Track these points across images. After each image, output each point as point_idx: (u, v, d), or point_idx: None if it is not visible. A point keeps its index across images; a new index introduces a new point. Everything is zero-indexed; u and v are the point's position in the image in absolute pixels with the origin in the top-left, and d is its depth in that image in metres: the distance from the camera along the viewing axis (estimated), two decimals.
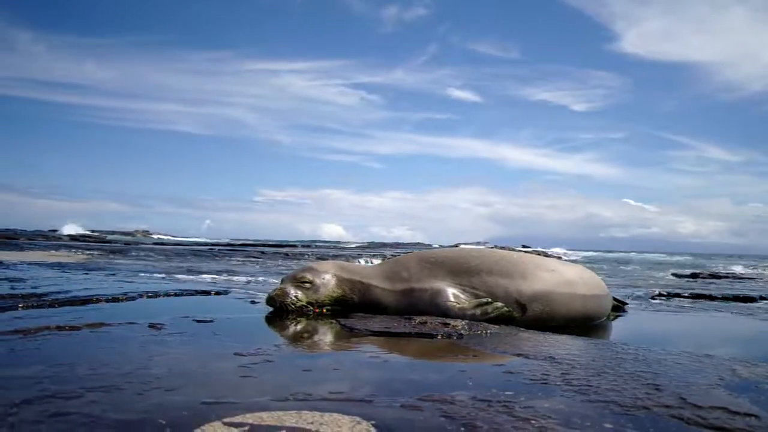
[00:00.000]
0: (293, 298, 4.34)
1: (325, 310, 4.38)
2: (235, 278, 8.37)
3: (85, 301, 4.50)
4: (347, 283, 4.44)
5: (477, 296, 4.12)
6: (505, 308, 4.06)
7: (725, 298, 7.14)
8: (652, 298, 7.03)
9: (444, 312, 4.01)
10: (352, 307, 4.41)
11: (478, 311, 4.01)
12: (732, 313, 5.73)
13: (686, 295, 7.37)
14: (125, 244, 26.20)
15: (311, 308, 4.36)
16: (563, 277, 4.30)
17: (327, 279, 4.44)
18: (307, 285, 4.39)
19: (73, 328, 3.31)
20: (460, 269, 4.25)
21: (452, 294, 4.12)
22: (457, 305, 4.05)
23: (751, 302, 6.91)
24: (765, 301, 7.01)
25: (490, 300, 4.09)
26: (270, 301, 4.40)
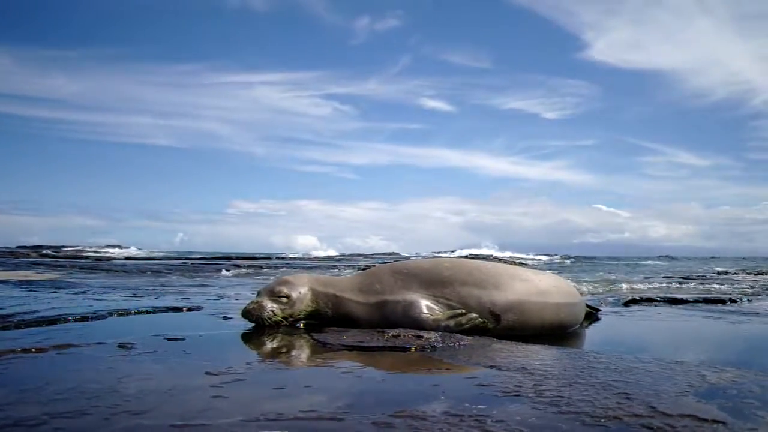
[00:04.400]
0: (270, 312, 4.27)
1: (302, 324, 4.34)
2: (207, 293, 8.26)
3: (52, 321, 4.39)
4: (322, 297, 4.40)
5: (451, 307, 4.12)
6: (479, 319, 4.06)
7: (697, 302, 7.26)
8: (625, 304, 7.10)
9: (418, 324, 3.99)
10: (326, 321, 4.38)
11: (452, 323, 4.00)
12: (703, 316, 5.81)
13: (659, 299, 7.47)
14: (96, 260, 25.75)
15: (286, 322, 4.31)
16: (536, 286, 4.31)
17: (303, 293, 4.39)
18: (284, 299, 4.33)
19: (39, 350, 3.23)
20: (433, 280, 4.24)
21: (426, 306, 4.10)
22: (431, 317, 4.04)
23: (722, 305, 7.03)
24: (735, 304, 7.14)
25: (464, 311, 4.08)
26: (246, 314, 4.34)
